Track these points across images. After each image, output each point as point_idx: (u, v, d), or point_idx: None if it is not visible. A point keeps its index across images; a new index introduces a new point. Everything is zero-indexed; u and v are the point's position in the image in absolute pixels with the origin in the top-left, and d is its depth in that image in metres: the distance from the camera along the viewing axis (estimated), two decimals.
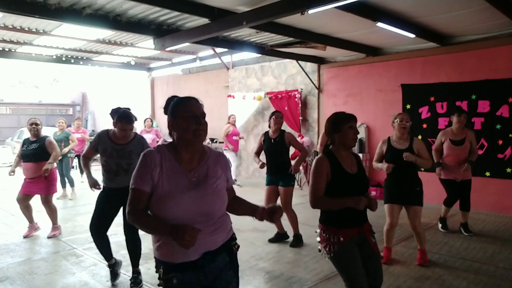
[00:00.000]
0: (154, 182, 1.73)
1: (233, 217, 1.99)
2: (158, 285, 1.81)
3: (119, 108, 3.54)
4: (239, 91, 10.04)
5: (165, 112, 1.86)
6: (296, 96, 8.69)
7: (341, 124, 2.47)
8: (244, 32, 6.38)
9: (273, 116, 4.70)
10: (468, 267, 3.95)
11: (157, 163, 1.75)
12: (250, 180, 9.71)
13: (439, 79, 6.76)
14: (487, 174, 6.28)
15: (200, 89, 11.47)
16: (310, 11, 4.28)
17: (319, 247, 2.53)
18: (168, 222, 1.68)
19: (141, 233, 5.14)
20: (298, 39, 6.46)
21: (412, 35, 5.78)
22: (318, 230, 2.54)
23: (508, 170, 6.10)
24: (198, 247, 1.73)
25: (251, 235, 4.98)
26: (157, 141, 8.99)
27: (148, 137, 8.34)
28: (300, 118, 8.64)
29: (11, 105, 17.80)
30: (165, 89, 12.71)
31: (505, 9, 4.68)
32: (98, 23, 5.38)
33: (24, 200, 5.08)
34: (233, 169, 9.17)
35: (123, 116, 3.45)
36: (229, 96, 10.01)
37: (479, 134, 6.24)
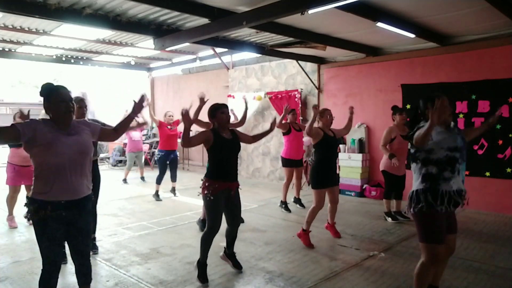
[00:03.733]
0: (34, 135, 2.33)
1: None
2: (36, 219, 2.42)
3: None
4: (239, 91, 10.04)
5: (41, 96, 2.49)
6: (296, 96, 8.69)
7: (215, 112, 3.55)
8: (244, 32, 6.38)
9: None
10: (468, 267, 3.95)
11: (38, 124, 2.40)
12: (250, 180, 9.71)
13: (439, 79, 6.76)
14: (487, 174, 6.28)
15: (200, 89, 11.41)
16: (310, 11, 4.28)
17: (199, 192, 3.56)
18: (55, 164, 2.36)
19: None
20: (298, 39, 6.46)
21: (412, 35, 5.78)
22: (203, 179, 3.55)
23: (508, 170, 6.10)
24: (80, 189, 2.48)
25: (251, 235, 4.98)
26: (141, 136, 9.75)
27: (137, 135, 9.07)
28: (300, 118, 8.63)
29: (11, 105, 17.81)
30: (165, 89, 12.71)
31: (505, 9, 4.67)
32: (98, 23, 5.38)
33: (16, 190, 5.39)
34: None
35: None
36: (229, 96, 10.01)
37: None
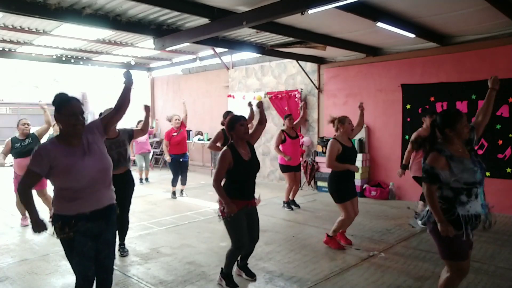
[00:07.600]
0: (51, 166, 2.28)
1: None
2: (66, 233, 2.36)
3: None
4: (239, 91, 10.04)
5: (53, 105, 2.42)
6: (296, 96, 8.69)
7: (234, 124, 3.34)
8: (244, 32, 6.38)
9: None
10: None
11: (50, 152, 2.31)
12: None
13: (439, 79, 6.76)
14: (487, 174, 6.26)
15: (200, 89, 11.46)
16: (310, 11, 4.28)
17: (217, 213, 3.36)
18: (77, 187, 2.32)
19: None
20: (298, 39, 6.45)
21: (412, 35, 5.78)
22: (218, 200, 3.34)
23: (508, 170, 6.10)
24: (104, 199, 2.46)
25: None
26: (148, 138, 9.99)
27: (142, 137, 8.92)
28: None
29: (11, 105, 17.81)
30: (165, 89, 12.71)
31: (505, 9, 4.67)
32: (98, 23, 5.37)
33: None
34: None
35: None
36: (229, 96, 10.01)
37: None
